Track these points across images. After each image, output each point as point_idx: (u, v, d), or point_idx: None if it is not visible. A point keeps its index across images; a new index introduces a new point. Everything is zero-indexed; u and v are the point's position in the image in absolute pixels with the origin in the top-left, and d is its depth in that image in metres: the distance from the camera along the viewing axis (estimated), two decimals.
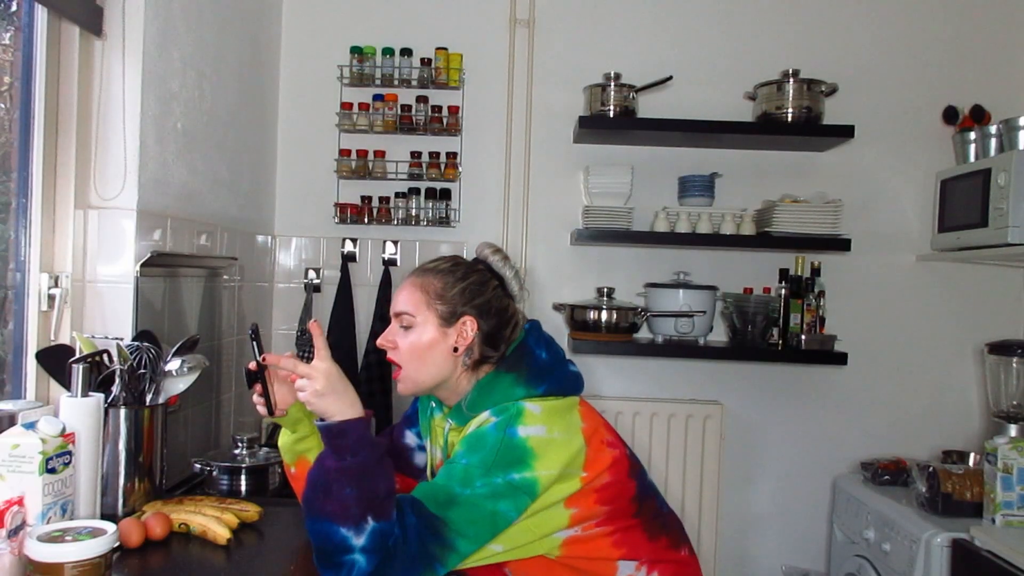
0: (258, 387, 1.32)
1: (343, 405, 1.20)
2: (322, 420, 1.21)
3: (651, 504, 1.39)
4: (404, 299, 1.38)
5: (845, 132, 2.49)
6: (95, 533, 1.11)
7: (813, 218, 2.47)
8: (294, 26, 2.71)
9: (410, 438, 1.58)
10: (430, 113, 2.62)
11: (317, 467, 1.19)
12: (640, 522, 1.35)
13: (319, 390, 1.19)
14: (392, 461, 1.56)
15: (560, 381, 1.37)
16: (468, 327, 1.36)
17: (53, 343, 1.59)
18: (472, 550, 1.22)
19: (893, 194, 2.71)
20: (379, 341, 1.40)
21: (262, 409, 1.32)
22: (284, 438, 1.40)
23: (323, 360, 1.21)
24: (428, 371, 1.36)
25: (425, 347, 1.35)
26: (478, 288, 1.38)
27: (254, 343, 1.31)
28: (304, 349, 2.59)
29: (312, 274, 2.69)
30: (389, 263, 2.67)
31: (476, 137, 2.69)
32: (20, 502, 1.13)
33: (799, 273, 2.57)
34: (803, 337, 2.50)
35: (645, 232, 2.59)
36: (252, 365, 1.31)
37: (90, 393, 1.38)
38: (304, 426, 1.38)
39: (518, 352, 1.38)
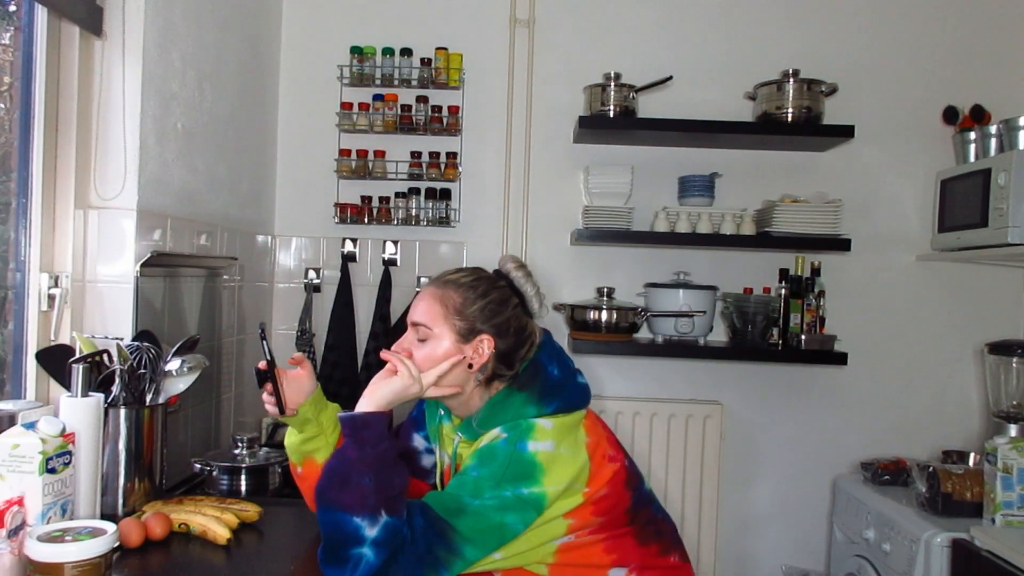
0: (268, 386, 1.32)
1: (377, 402, 1.26)
2: (346, 412, 1.26)
3: (645, 512, 1.39)
4: (422, 310, 1.36)
5: (845, 132, 2.49)
6: (95, 533, 1.11)
7: (813, 218, 2.47)
8: (294, 26, 2.71)
9: (417, 441, 1.57)
10: (430, 113, 2.62)
11: (337, 458, 1.21)
12: (632, 530, 1.36)
13: (410, 374, 1.29)
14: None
15: (570, 397, 1.36)
16: (485, 345, 1.34)
17: (53, 343, 1.59)
18: (477, 558, 1.23)
19: (893, 194, 2.71)
20: (394, 347, 1.38)
21: (272, 408, 1.32)
22: (291, 438, 1.40)
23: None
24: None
25: (439, 361, 1.34)
26: (498, 307, 1.36)
27: (263, 342, 1.31)
28: (304, 349, 2.59)
29: (312, 274, 2.69)
30: (389, 263, 2.67)
31: (476, 137, 2.69)
32: (20, 502, 1.13)
33: (799, 273, 2.57)
34: (803, 337, 2.50)
35: (645, 232, 2.59)
36: (262, 364, 1.31)
37: (90, 393, 1.39)
38: (312, 427, 1.38)
39: (531, 369, 1.37)
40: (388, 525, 1.15)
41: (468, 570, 1.25)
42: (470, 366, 1.34)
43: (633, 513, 1.35)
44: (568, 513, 1.27)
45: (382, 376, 1.30)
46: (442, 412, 1.48)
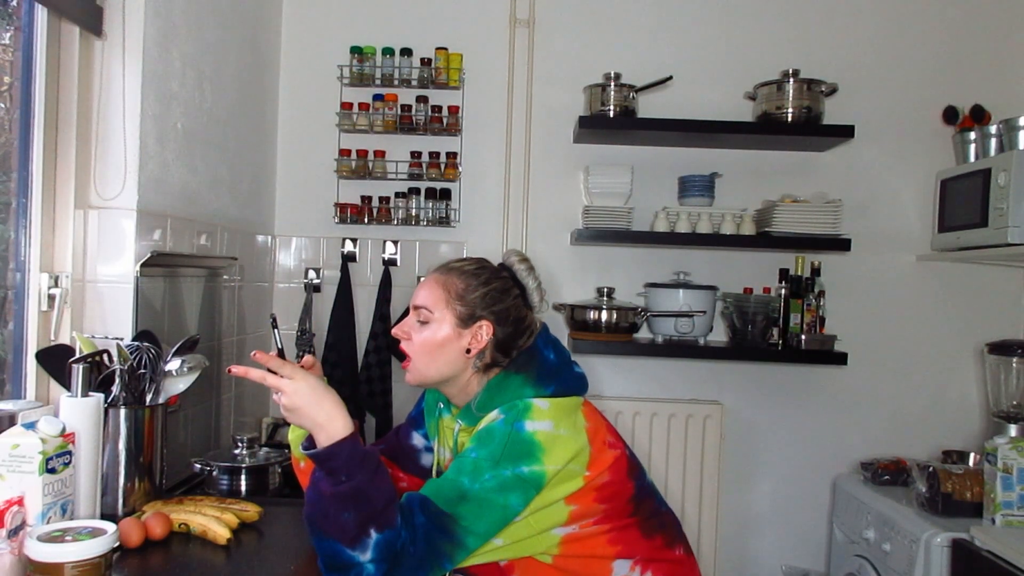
0: None
1: (318, 420, 1.17)
2: (308, 443, 1.21)
3: (648, 504, 1.40)
4: (425, 294, 1.39)
5: (845, 132, 2.49)
6: (95, 533, 1.11)
7: (813, 218, 2.47)
8: (294, 26, 2.71)
9: (417, 439, 1.58)
10: (430, 113, 2.62)
11: (313, 490, 1.18)
12: (636, 521, 1.36)
13: (287, 405, 1.19)
14: (392, 465, 1.56)
15: (567, 382, 1.38)
16: (484, 331, 1.36)
17: (53, 343, 1.59)
18: (479, 545, 1.23)
19: (893, 194, 2.71)
20: (394, 331, 1.42)
21: (278, 399, 1.30)
22: (295, 432, 1.39)
23: (291, 379, 1.19)
24: (437, 367, 1.37)
25: (438, 344, 1.36)
26: (499, 295, 1.39)
27: (275, 331, 1.33)
28: (304, 349, 2.59)
29: (312, 274, 2.69)
30: (389, 263, 2.67)
31: (476, 137, 2.69)
32: (20, 502, 1.13)
33: (799, 273, 2.57)
34: (803, 337, 2.50)
35: (645, 232, 2.59)
36: (273, 354, 1.31)
37: (90, 393, 1.38)
38: None
39: (527, 353, 1.39)
40: (380, 542, 1.14)
41: (473, 560, 1.25)
42: (468, 351, 1.36)
43: (636, 503, 1.36)
44: (570, 498, 1.27)
45: (284, 401, 1.20)
46: (441, 405, 1.49)
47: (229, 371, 1.24)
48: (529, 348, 1.40)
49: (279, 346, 1.31)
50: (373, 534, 1.14)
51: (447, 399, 1.46)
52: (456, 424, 1.40)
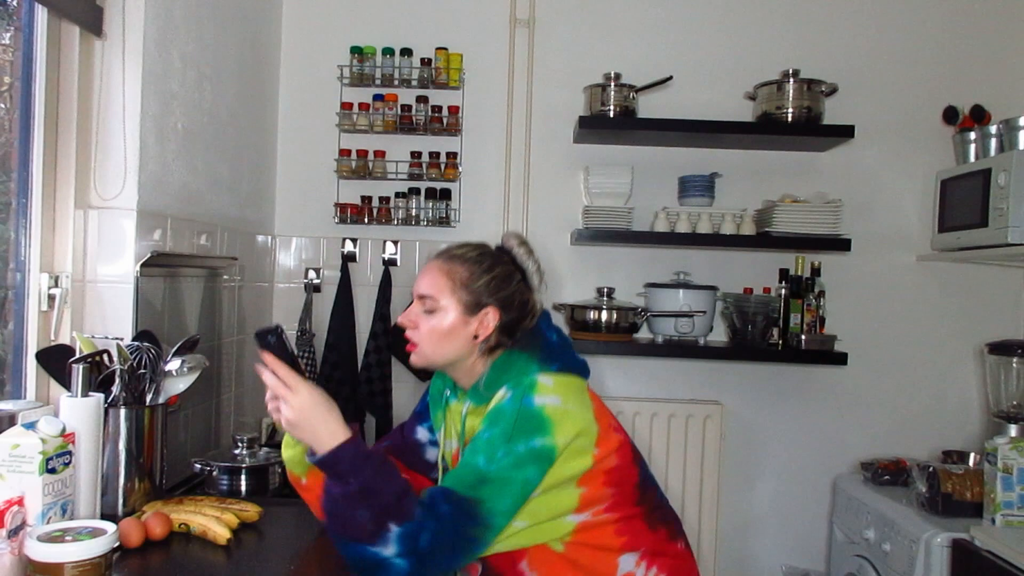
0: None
1: (319, 435, 1.18)
2: (313, 455, 1.21)
3: (652, 495, 1.42)
4: (428, 283, 1.39)
5: (845, 132, 2.49)
6: (95, 533, 1.11)
7: (813, 218, 2.47)
8: (294, 26, 2.71)
9: (422, 434, 1.59)
10: (430, 113, 2.62)
11: (326, 497, 1.19)
12: (642, 511, 1.37)
13: (289, 419, 1.19)
14: (397, 459, 1.57)
15: (571, 361, 1.40)
16: (490, 317, 1.38)
17: (53, 343, 1.59)
18: (506, 523, 1.24)
19: (893, 194, 2.71)
20: (400, 319, 1.42)
21: (277, 416, 1.26)
22: (290, 450, 1.36)
23: (296, 393, 1.19)
24: (444, 353, 1.39)
25: (445, 332, 1.37)
26: (503, 281, 1.40)
27: (284, 339, 1.30)
28: (304, 350, 2.59)
29: (312, 274, 2.69)
30: (389, 263, 2.67)
31: (476, 137, 2.69)
32: (20, 502, 1.13)
33: (799, 273, 2.57)
34: (803, 337, 2.50)
35: (645, 232, 2.59)
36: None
37: (90, 393, 1.39)
38: None
39: (531, 333, 1.41)
40: (401, 535, 1.15)
41: (499, 545, 1.26)
42: (475, 337, 1.38)
43: (642, 491, 1.38)
44: (581, 480, 1.28)
45: (287, 414, 1.20)
46: (448, 392, 1.49)
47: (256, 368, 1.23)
48: (532, 329, 1.42)
49: (291, 352, 1.30)
50: (392, 527, 1.15)
51: (453, 384, 1.47)
52: (464, 405, 1.41)
